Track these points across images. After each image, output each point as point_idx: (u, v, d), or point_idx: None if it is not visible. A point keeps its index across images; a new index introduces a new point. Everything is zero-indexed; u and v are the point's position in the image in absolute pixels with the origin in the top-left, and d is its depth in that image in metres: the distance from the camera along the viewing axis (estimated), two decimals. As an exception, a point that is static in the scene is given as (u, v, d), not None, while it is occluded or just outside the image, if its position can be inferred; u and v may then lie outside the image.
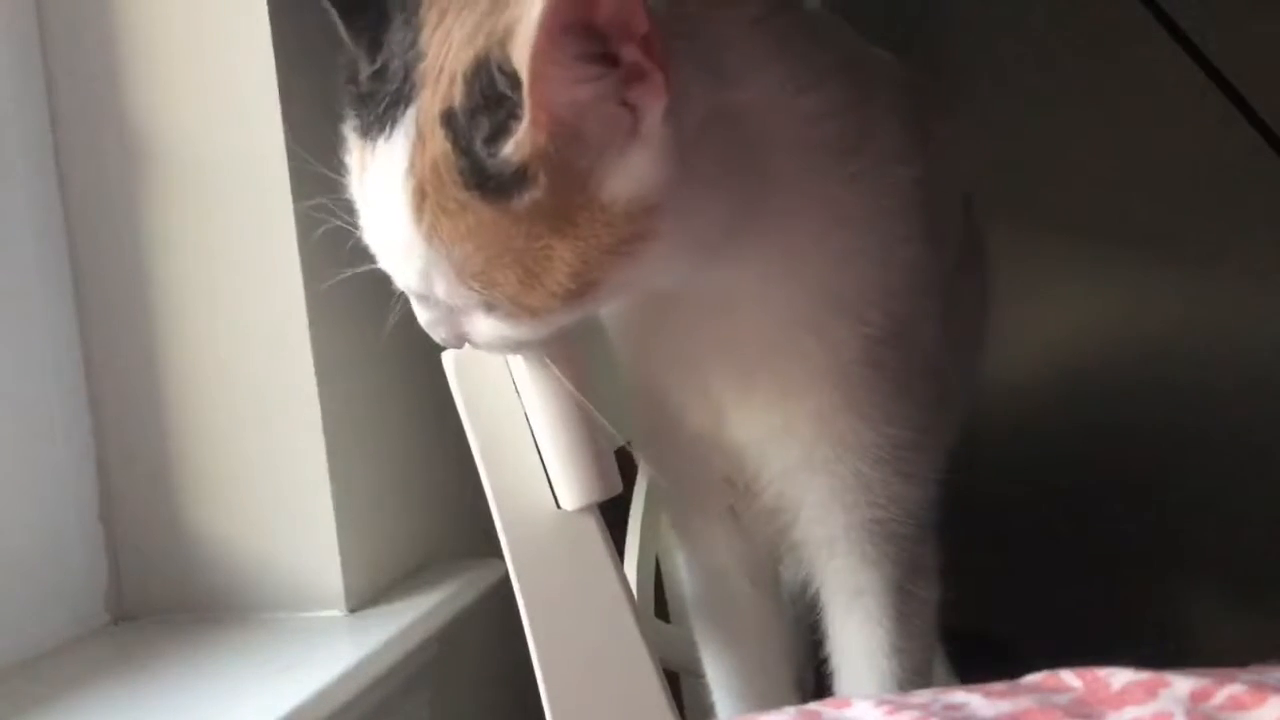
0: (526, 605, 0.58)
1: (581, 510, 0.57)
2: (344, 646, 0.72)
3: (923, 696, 0.42)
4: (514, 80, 0.44)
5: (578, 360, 0.57)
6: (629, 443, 0.63)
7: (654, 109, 0.45)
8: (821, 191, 0.54)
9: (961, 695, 0.41)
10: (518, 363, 0.57)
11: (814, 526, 0.61)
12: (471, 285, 0.48)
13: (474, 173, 0.46)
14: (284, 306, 0.76)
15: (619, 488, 0.58)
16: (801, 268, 0.55)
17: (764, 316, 0.56)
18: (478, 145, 0.45)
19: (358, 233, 0.53)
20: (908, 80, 0.62)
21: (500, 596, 0.68)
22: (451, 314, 0.53)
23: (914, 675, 0.63)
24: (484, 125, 0.45)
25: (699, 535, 0.67)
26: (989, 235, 0.74)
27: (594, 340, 0.58)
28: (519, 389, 0.57)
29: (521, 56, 0.42)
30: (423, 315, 0.54)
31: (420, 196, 0.47)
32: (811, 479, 0.59)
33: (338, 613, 0.77)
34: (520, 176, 0.45)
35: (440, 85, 0.46)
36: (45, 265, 0.77)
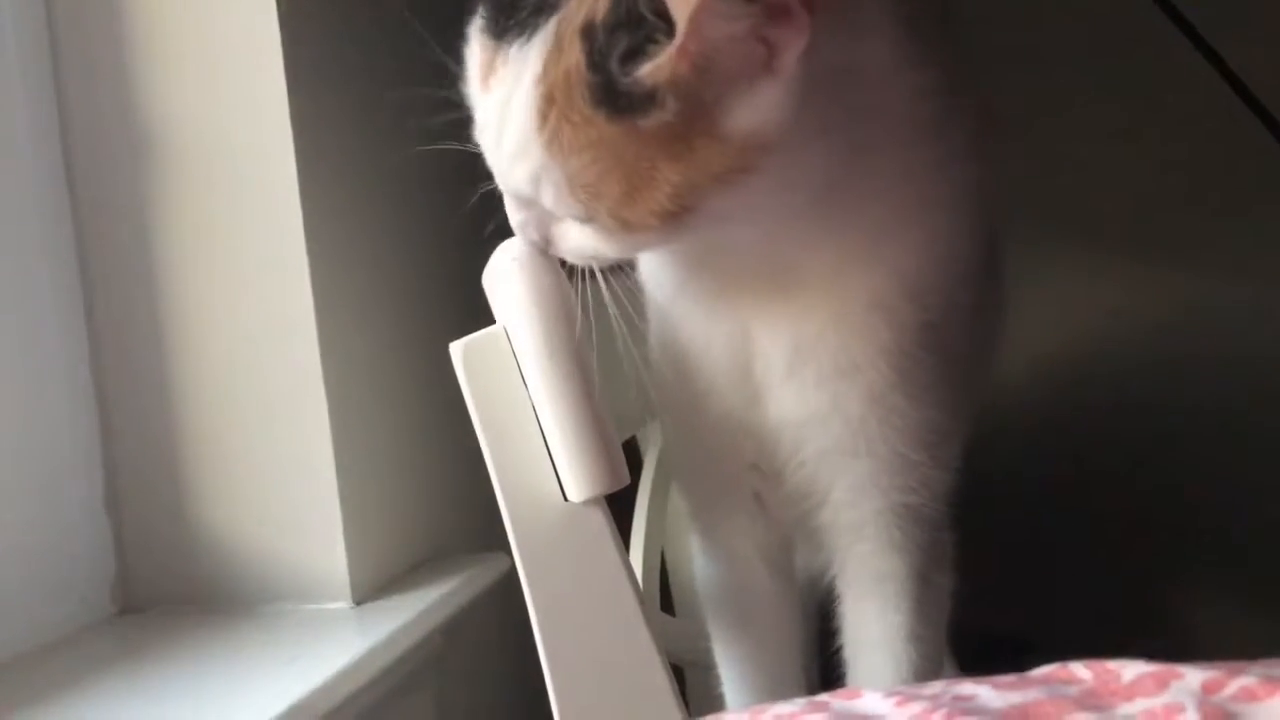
0: (533, 597, 0.58)
1: (588, 502, 0.57)
2: (350, 639, 0.72)
3: (933, 688, 0.42)
4: (658, 5, 0.45)
5: (584, 352, 0.57)
6: (635, 435, 0.62)
7: (794, 48, 0.46)
8: (911, 170, 0.55)
9: (971, 687, 0.40)
10: (525, 354, 0.57)
11: (844, 511, 0.62)
12: (579, 196, 0.49)
13: (604, 89, 0.47)
14: (291, 298, 0.76)
15: (626, 479, 0.58)
16: (880, 245, 0.57)
17: (833, 290, 0.57)
18: (613, 63, 0.46)
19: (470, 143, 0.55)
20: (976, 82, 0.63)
21: (506, 589, 0.68)
22: (544, 219, 0.54)
23: (930, 663, 0.63)
24: (622, 43, 0.46)
25: (718, 523, 0.67)
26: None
27: (600, 331, 0.57)
28: (526, 380, 0.57)
29: None
30: (515, 216, 0.55)
31: (548, 104, 0.48)
32: (850, 462, 0.60)
33: (343, 605, 0.77)
34: (649, 98, 0.46)
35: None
36: (53, 258, 0.77)
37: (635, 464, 0.85)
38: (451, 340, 0.58)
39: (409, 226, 0.89)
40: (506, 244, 0.59)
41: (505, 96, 0.50)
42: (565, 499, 0.57)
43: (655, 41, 0.45)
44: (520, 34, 0.49)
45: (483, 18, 0.52)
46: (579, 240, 0.54)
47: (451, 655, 0.82)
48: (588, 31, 0.47)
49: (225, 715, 0.62)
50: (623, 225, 0.50)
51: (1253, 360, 1.09)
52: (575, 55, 0.47)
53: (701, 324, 0.61)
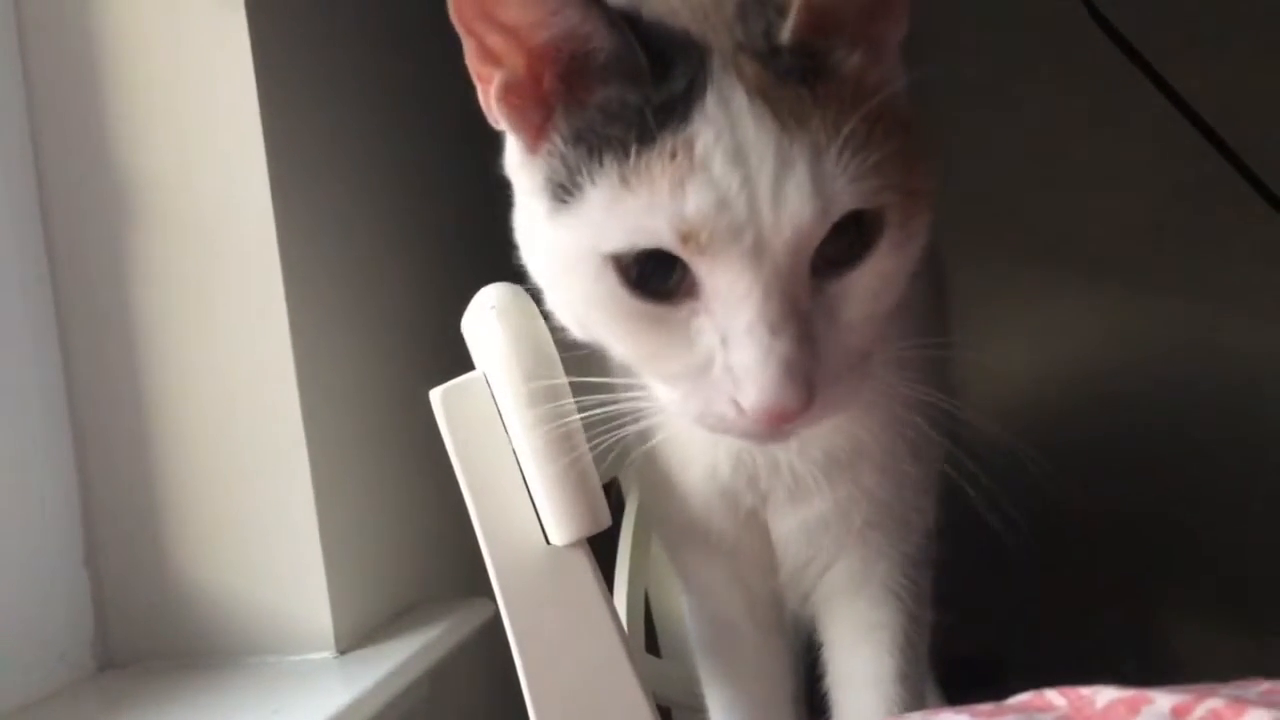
0: (517, 642, 0.58)
1: (571, 545, 0.57)
2: (335, 689, 0.71)
3: (911, 718, 0.42)
4: None
5: (564, 395, 0.57)
6: (616, 476, 0.63)
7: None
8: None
9: (950, 715, 0.41)
10: (505, 399, 0.57)
11: (846, 578, 0.63)
12: (867, 182, 0.45)
13: (771, 56, 0.46)
14: (270, 350, 0.76)
15: (608, 521, 0.59)
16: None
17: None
18: (760, 38, 0.46)
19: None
20: None
21: (491, 634, 0.68)
22: (810, 333, 0.46)
23: (916, 698, 0.63)
24: (760, 20, 0.47)
25: (702, 586, 0.68)
26: (967, 264, 0.76)
27: (581, 374, 0.58)
28: (506, 425, 0.58)
29: None
30: (774, 365, 0.45)
31: (780, 110, 0.45)
32: (851, 546, 0.61)
33: (328, 655, 0.77)
34: (802, 55, 0.46)
35: (718, 33, 0.47)
36: (30, 311, 0.77)
37: (617, 504, 0.85)
38: (431, 387, 0.59)
39: (387, 276, 0.90)
40: (485, 290, 0.59)
41: (730, 154, 0.44)
42: (547, 542, 0.58)
43: (783, 14, 0.46)
44: (685, 109, 0.45)
45: (618, 139, 0.46)
46: (872, 285, 0.47)
47: (437, 702, 0.82)
48: (742, 46, 0.46)
49: (210, 770, 0.61)
50: (907, 193, 0.46)
51: (1235, 384, 1.11)
52: (754, 67, 0.46)
53: (684, 439, 0.60)
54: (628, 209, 0.45)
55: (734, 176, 0.44)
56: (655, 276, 0.46)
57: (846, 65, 0.47)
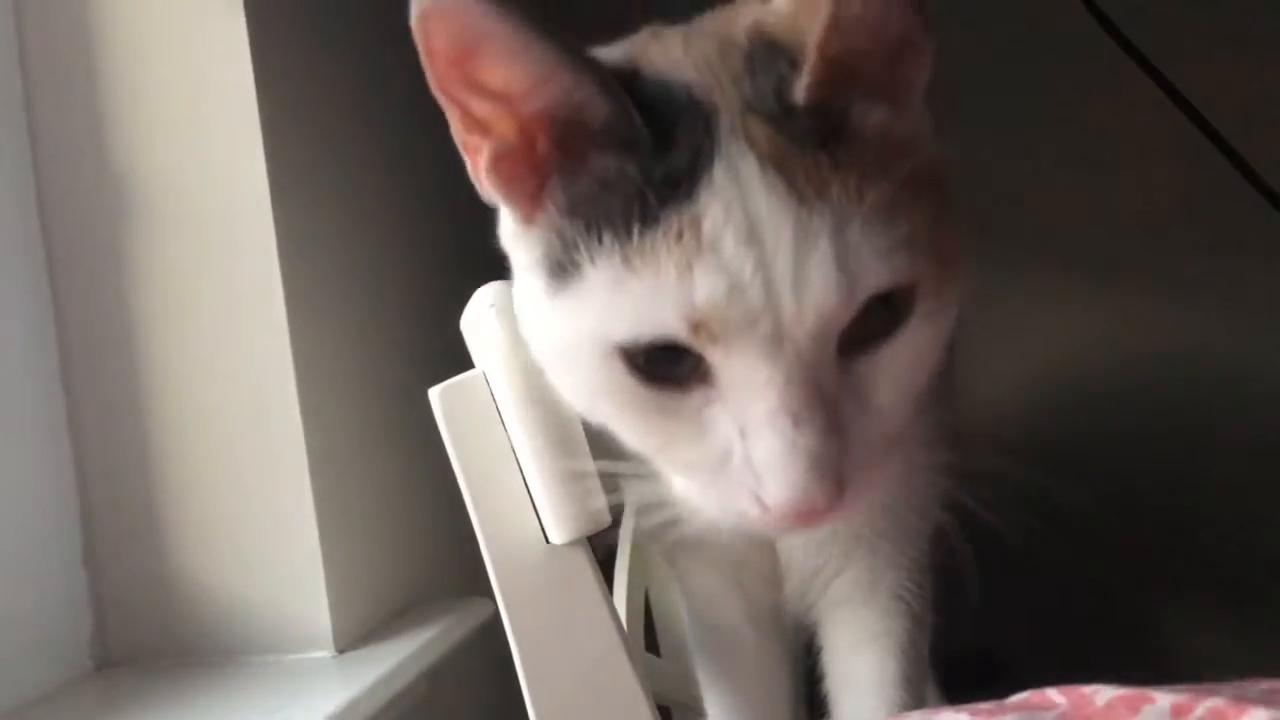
0: (517, 641, 0.58)
1: (570, 544, 0.57)
2: (333, 688, 0.71)
3: (912, 717, 0.42)
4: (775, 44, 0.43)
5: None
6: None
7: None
8: None
9: (950, 715, 0.41)
10: (504, 397, 0.57)
11: (854, 586, 0.62)
12: (897, 256, 0.40)
13: (784, 117, 0.42)
14: (269, 348, 0.76)
15: (608, 520, 0.58)
16: None
17: None
18: (771, 97, 0.42)
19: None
20: None
21: (490, 633, 0.68)
22: (837, 420, 0.41)
23: (918, 702, 0.63)
24: (770, 75, 0.42)
25: (705, 592, 0.67)
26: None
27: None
28: (505, 424, 0.58)
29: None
30: (799, 460, 0.40)
31: (794, 179, 0.40)
32: (866, 548, 0.60)
33: (326, 654, 0.77)
34: (819, 115, 0.42)
35: (724, 91, 0.43)
36: (28, 309, 0.77)
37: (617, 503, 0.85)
38: (430, 385, 0.59)
39: (386, 275, 0.90)
40: (484, 288, 0.59)
41: (742, 233, 0.40)
42: (547, 541, 0.58)
43: (797, 66, 0.42)
44: (691, 184, 0.41)
45: (619, 215, 0.42)
46: (894, 369, 0.43)
47: (436, 701, 0.82)
48: (751, 106, 0.42)
49: (209, 769, 0.61)
50: (940, 261, 0.42)
51: (1236, 384, 1.11)
52: (765, 131, 0.42)
53: None
54: (631, 295, 0.41)
55: (747, 258, 0.40)
56: (665, 361, 0.42)
57: (869, 122, 0.42)
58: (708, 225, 0.40)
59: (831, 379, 0.42)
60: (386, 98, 0.93)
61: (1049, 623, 0.94)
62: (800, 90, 0.42)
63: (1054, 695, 0.41)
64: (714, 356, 0.41)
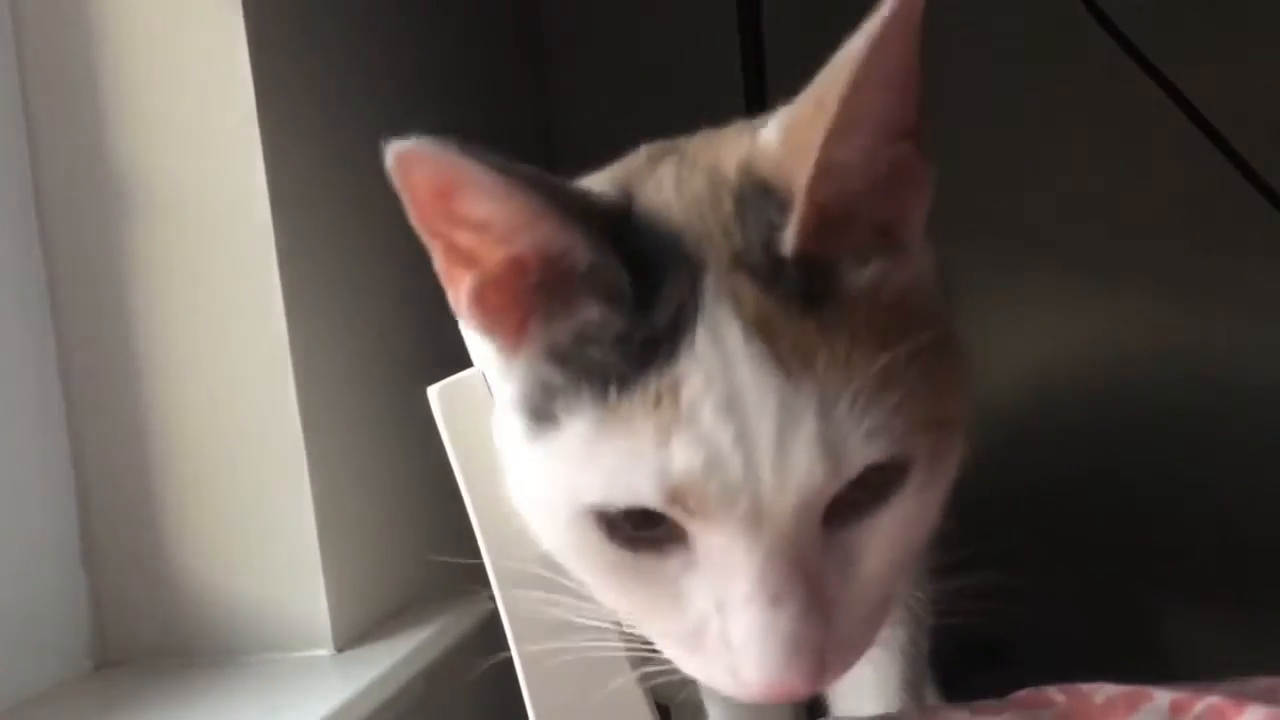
0: (516, 640, 0.58)
1: (569, 542, 0.57)
2: (333, 686, 0.71)
3: (913, 715, 0.42)
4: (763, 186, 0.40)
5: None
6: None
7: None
8: None
9: (949, 713, 0.41)
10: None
11: None
12: (889, 432, 0.38)
13: (772, 274, 0.39)
14: (268, 347, 0.76)
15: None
16: None
17: None
18: (759, 249, 0.39)
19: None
20: None
21: (489, 632, 0.68)
22: (820, 598, 0.39)
23: (919, 702, 0.63)
24: (760, 223, 0.40)
25: None
26: (965, 260, 0.75)
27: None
28: (504, 423, 0.58)
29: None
30: (775, 643, 0.38)
31: (779, 347, 0.38)
32: None
33: (325, 652, 0.77)
34: (808, 271, 0.39)
35: (714, 242, 0.40)
36: (25, 308, 0.77)
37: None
38: (429, 384, 0.58)
39: (386, 273, 0.90)
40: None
41: (723, 404, 0.38)
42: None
43: (785, 211, 0.39)
44: (672, 346, 0.39)
45: (597, 369, 0.40)
46: (884, 540, 0.40)
47: (435, 700, 0.82)
48: (739, 259, 0.40)
49: (208, 768, 0.61)
50: (938, 428, 0.40)
51: (1235, 381, 1.11)
52: (753, 291, 0.39)
53: None
54: (605, 458, 0.39)
55: (726, 431, 0.37)
56: (643, 524, 0.40)
57: (861, 280, 0.39)
58: (687, 393, 0.38)
59: (814, 553, 0.39)
60: (388, 90, 0.93)
61: (1047, 621, 0.94)
62: (789, 241, 0.39)
63: (1053, 693, 0.41)
64: (691, 527, 0.39)
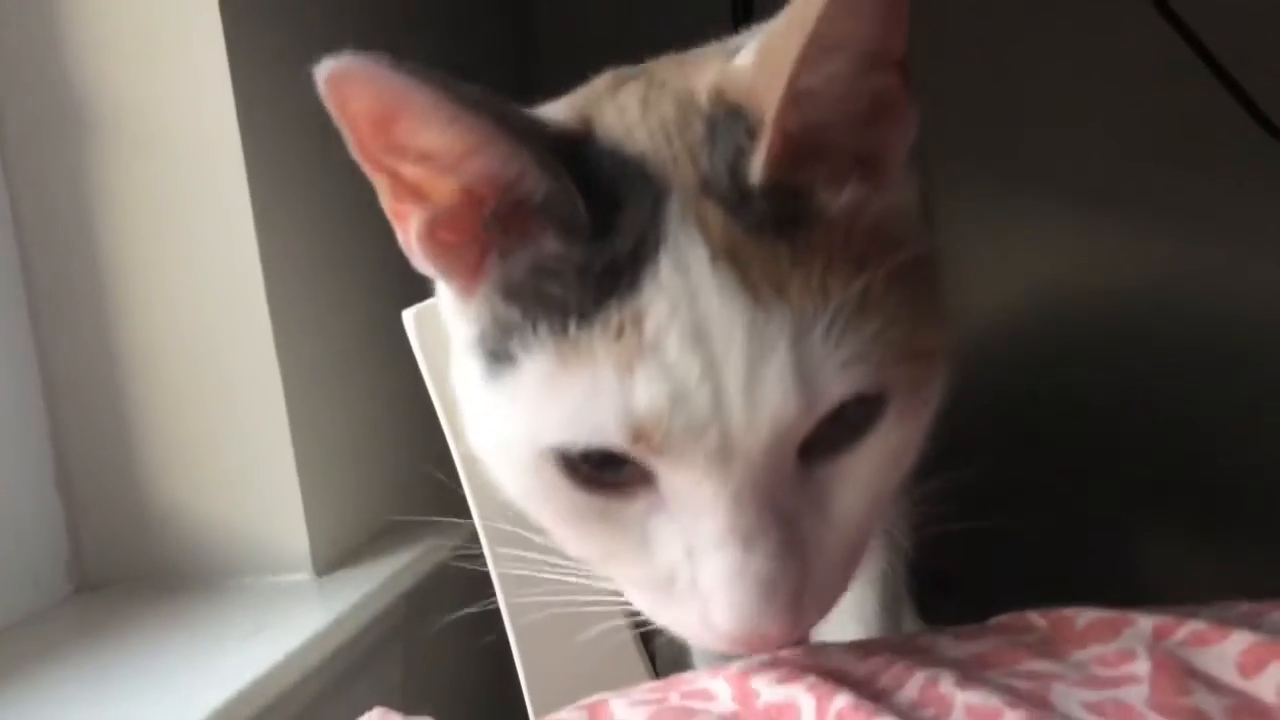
0: (495, 562, 0.58)
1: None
2: (313, 610, 0.71)
3: (892, 640, 0.42)
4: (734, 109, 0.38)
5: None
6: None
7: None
8: None
9: (930, 637, 0.41)
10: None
11: None
12: (866, 361, 0.36)
13: (740, 201, 0.37)
14: (240, 271, 0.74)
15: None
16: None
17: None
18: (726, 176, 0.37)
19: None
20: None
21: (469, 556, 0.68)
22: (795, 537, 0.37)
23: (897, 627, 0.63)
24: (728, 147, 0.38)
25: None
26: (964, 192, 0.73)
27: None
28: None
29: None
30: (749, 587, 0.36)
31: (750, 272, 0.36)
32: None
33: (305, 576, 0.77)
34: (779, 198, 0.37)
35: (680, 166, 0.38)
36: (-12, 232, 0.75)
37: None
38: (404, 307, 0.57)
39: (358, 195, 0.87)
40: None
41: (689, 333, 0.35)
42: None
43: (754, 138, 0.37)
44: (634, 274, 0.36)
45: (555, 303, 0.37)
46: (861, 476, 0.38)
47: (416, 623, 0.82)
48: (707, 185, 0.38)
49: (190, 690, 0.61)
50: (918, 358, 0.38)
51: (1213, 314, 1.11)
52: (720, 217, 0.37)
53: None
54: (566, 395, 0.36)
55: (693, 363, 0.35)
56: (606, 466, 0.38)
57: (836, 205, 0.37)
58: (651, 323, 0.35)
59: (789, 491, 0.37)
60: (354, 14, 0.89)
61: (1025, 550, 0.95)
62: (757, 168, 0.37)
63: (1035, 618, 0.41)
64: (657, 466, 0.37)
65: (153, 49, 0.73)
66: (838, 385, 0.36)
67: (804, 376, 0.35)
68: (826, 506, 0.38)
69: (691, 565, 0.37)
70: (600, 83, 0.45)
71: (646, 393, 0.35)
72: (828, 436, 0.37)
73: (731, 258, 0.36)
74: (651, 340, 0.35)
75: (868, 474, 0.38)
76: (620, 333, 0.36)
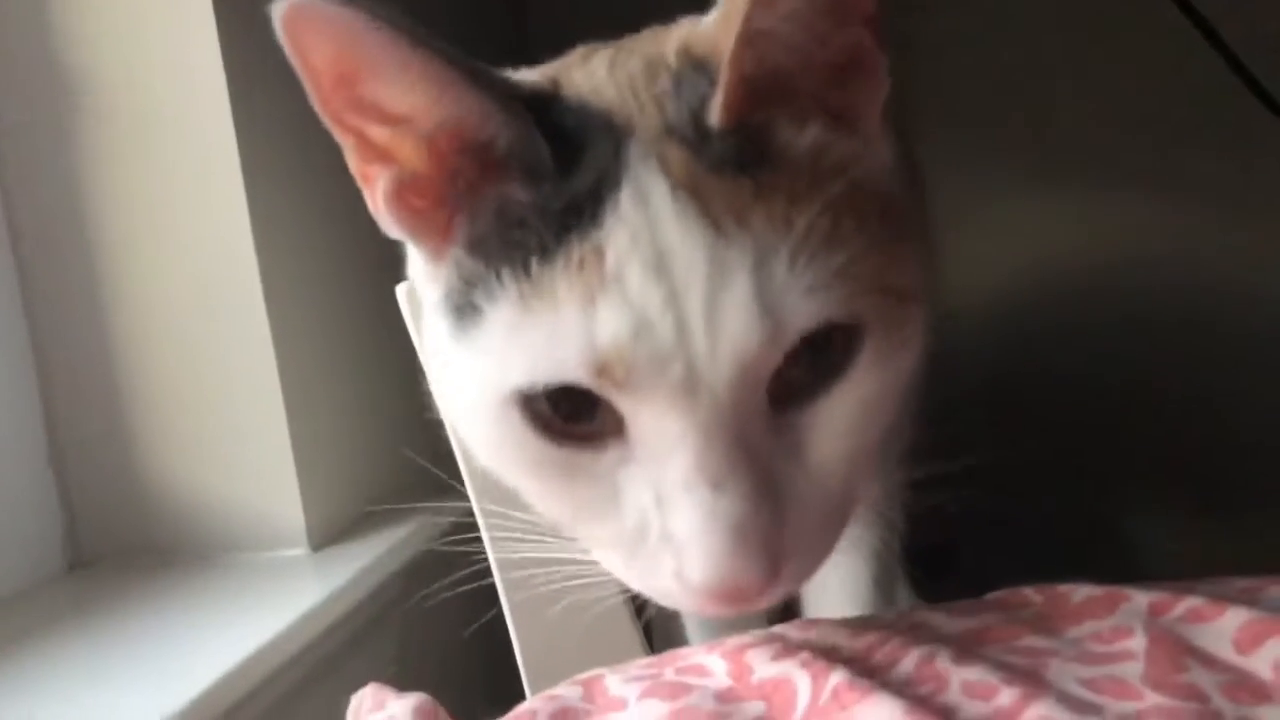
0: (490, 537, 0.58)
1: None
2: (308, 585, 0.71)
3: (887, 616, 0.42)
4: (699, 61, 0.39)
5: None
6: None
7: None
8: None
9: (925, 613, 0.41)
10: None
11: None
12: (833, 291, 0.36)
13: (701, 141, 0.37)
14: (233, 246, 0.74)
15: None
16: None
17: None
18: (688, 119, 0.38)
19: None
20: None
21: (464, 531, 0.67)
22: (770, 483, 0.36)
23: (891, 603, 0.63)
24: (692, 94, 0.38)
25: None
26: (963, 164, 0.73)
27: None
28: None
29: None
30: (720, 532, 0.35)
31: (710, 206, 0.36)
32: None
33: (301, 551, 0.77)
34: (739, 138, 0.37)
35: (644, 114, 0.39)
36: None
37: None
38: (398, 282, 0.57)
39: (351, 175, 0.87)
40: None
41: (651, 264, 0.35)
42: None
43: (713, 84, 0.37)
44: (595, 210, 0.36)
45: (518, 248, 0.37)
46: (838, 422, 0.38)
47: (411, 599, 0.82)
48: (670, 129, 0.38)
49: (185, 666, 0.61)
50: (892, 296, 0.37)
51: (1209, 283, 1.11)
52: (681, 155, 0.37)
53: None
54: (530, 334, 0.36)
55: (655, 293, 0.35)
56: (575, 415, 0.37)
57: (800, 143, 0.38)
58: (612, 255, 0.35)
59: (761, 435, 0.36)
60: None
61: (1021, 530, 0.95)
62: (715, 110, 0.37)
63: (1030, 594, 0.41)
64: (623, 405, 0.36)
65: (144, 32, 0.72)
66: (802, 312, 0.35)
67: (767, 304, 0.35)
68: (803, 455, 0.37)
69: (661, 515, 0.36)
70: (572, 55, 0.45)
71: (609, 324, 0.35)
72: (804, 382, 0.37)
73: (693, 190, 0.36)
74: (613, 271, 0.35)
75: (845, 421, 0.38)
76: (581, 266, 0.36)
